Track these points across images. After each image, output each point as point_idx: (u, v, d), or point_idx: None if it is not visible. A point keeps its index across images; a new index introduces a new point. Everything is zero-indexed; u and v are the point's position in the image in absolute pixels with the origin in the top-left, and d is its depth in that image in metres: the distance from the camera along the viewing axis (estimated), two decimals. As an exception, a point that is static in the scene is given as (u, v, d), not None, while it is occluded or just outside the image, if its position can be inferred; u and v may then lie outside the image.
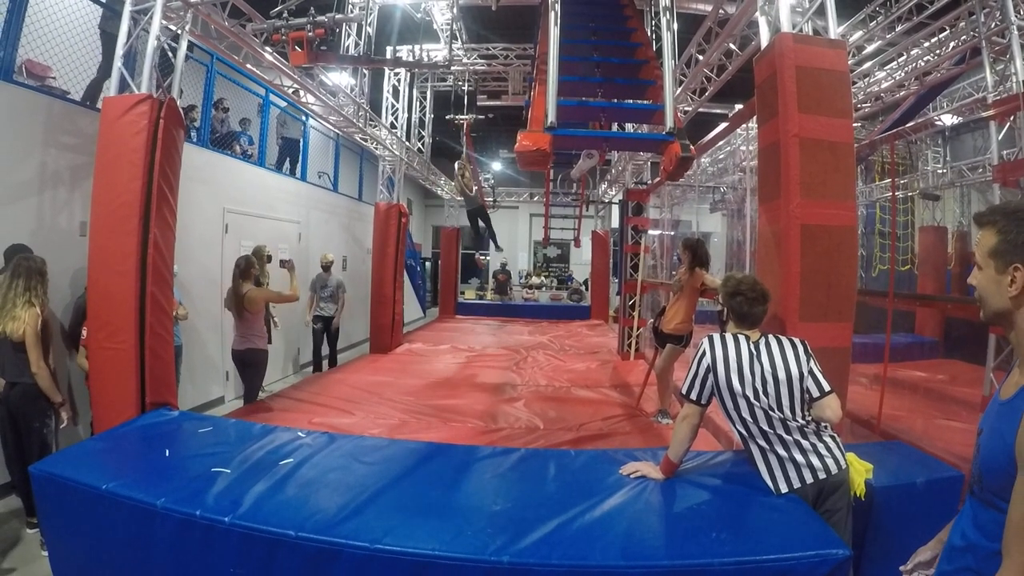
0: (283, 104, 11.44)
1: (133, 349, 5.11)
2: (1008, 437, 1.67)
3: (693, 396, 3.51)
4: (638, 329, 11.19)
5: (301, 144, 12.44)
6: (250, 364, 7.27)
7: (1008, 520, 1.66)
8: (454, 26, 10.91)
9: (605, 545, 2.88)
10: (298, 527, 3.00)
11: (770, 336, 3.55)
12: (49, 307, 5.10)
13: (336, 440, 4.44)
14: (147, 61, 5.52)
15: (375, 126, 11.79)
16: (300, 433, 4.55)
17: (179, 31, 5.99)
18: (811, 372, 3.39)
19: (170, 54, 5.96)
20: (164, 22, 5.67)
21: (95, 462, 3.90)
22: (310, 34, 6.35)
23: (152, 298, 5.20)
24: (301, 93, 9.00)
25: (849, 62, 7.57)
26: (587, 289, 21.86)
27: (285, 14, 6.46)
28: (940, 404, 7.96)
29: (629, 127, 9.62)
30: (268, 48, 7.18)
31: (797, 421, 3.33)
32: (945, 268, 13.55)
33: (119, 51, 5.61)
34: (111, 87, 5.64)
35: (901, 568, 2.23)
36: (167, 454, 4.08)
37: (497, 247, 16.59)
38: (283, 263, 7.89)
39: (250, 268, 7.16)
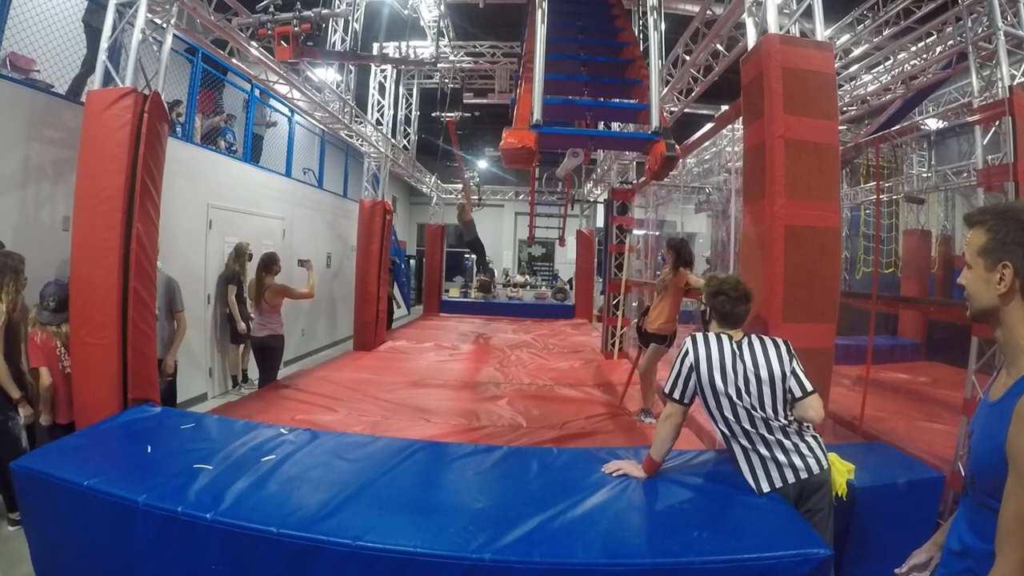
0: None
1: (116, 345, 5.07)
2: (999, 437, 1.70)
3: (676, 395, 3.52)
4: (622, 328, 11.21)
5: (281, 141, 12.40)
6: (268, 348, 8.05)
7: (1000, 518, 1.68)
8: (441, 23, 10.90)
9: (587, 543, 2.89)
10: (279, 524, 2.99)
11: (753, 336, 3.57)
12: (23, 305, 5.12)
13: (318, 437, 4.43)
14: (131, 54, 5.48)
15: (361, 123, 11.74)
16: (282, 430, 4.53)
17: (164, 25, 5.94)
18: (794, 372, 3.41)
19: (155, 48, 5.92)
20: (149, 15, 5.63)
21: (77, 458, 3.86)
22: (296, 29, 6.34)
23: (135, 293, 5.16)
24: (287, 89, 8.97)
25: (836, 65, 7.58)
26: (571, 288, 21.88)
27: (271, 8, 6.44)
28: (922, 406, 8.01)
29: (615, 126, 9.63)
30: (254, 43, 7.15)
31: (779, 421, 3.35)
32: (928, 271, 13.62)
33: (103, 44, 5.55)
34: (95, 81, 5.58)
35: (896, 571, 2.25)
36: (149, 450, 4.06)
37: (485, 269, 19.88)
38: (301, 262, 8.34)
39: (272, 264, 7.86)
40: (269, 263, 7.91)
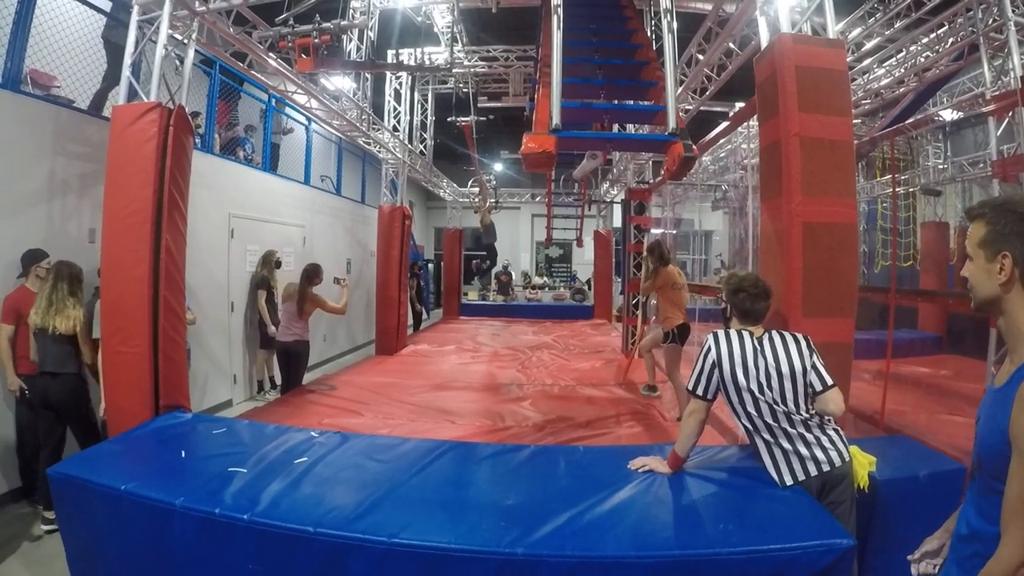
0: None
1: (147, 353, 5.17)
2: (1002, 421, 1.76)
3: (699, 391, 3.57)
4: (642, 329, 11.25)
5: (298, 149, 12.54)
6: (294, 353, 8.13)
7: (1005, 499, 1.74)
8: (454, 29, 10.97)
9: (616, 537, 2.95)
10: (316, 523, 3.07)
11: (773, 332, 3.62)
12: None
13: (349, 439, 4.51)
14: (155, 70, 5.57)
15: (378, 129, 11.84)
16: (313, 433, 4.62)
17: (185, 40, 6.05)
18: (814, 366, 3.46)
19: (177, 63, 6.04)
20: (170, 31, 5.73)
21: (113, 464, 3.98)
22: (316, 41, 6.40)
23: (165, 303, 5.27)
24: (305, 98, 9.08)
25: (848, 59, 7.60)
26: (590, 289, 21.89)
27: (291, 21, 6.51)
28: (943, 399, 7.98)
29: (631, 127, 9.67)
30: (272, 55, 7.25)
31: (801, 415, 3.39)
32: (947, 264, 13.54)
33: (127, 60, 5.67)
34: (119, 96, 5.69)
35: (909, 557, 2.29)
36: (183, 455, 4.15)
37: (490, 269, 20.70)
38: (337, 280, 8.36)
39: (315, 275, 8.01)
40: (312, 274, 8.02)
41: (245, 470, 3.79)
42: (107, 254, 5.31)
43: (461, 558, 2.87)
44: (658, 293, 7.73)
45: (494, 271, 21.91)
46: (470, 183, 17.26)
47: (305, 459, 4.00)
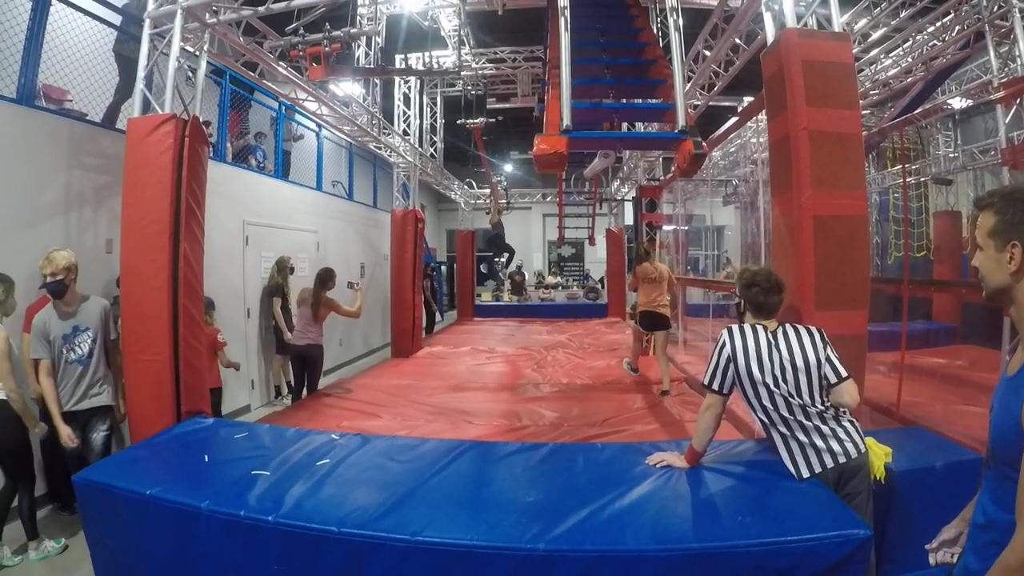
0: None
1: (168, 360, 5.24)
2: (1015, 410, 1.77)
3: (715, 386, 3.60)
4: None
5: (308, 155, 12.62)
6: (309, 357, 8.15)
7: (1019, 487, 1.73)
8: (461, 32, 11.03)
9: (636, 531, 2.99)
10: (340, 523, 3.12)
11: (787, 325, 3.64)
12: None
13: (369, 441, 4.55)
14: (169, 82, 5.66)
15: (388, 134, 11.91)
16: (334, 435, 4.66)
17: (197, 52, 6.12)
18: (828, 359, 3.48)
19: (189, 74, 6.11)
20: (182, 44, 5.80)
21: (137, 469, 4.04)
22: (326, 49, 6.46)
23: (184, 310, 5.34)
24: (316, 105, 9.14)
25: (855, 50, 7.59)
26: (603, 287, 21.88)
27: (301, 30, 6.57)
28: (959, 389, 7.94)
29: (640, 125, 9.69)
30: (282, 63, 7.32)
31: (816, 407, 3.42)
32: (961, 253, 13.45)
33: (140, 74, 5.74)
34: (134, 108, 5.77)
35: (927, 546, 2.30)
36: (206, 459, 4.21)
37: (506, 264, 20.53)
38: (351, 284, 8.39)
39: (328, 279, 8.06)
40: (326, 278, 8.08)
41: (268, 473, 3.83)
42: (127, 264, 5.39)
43: (483, 554, 2.91)
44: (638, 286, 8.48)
45: (502, 268, 21.78)
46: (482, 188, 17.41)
47: (327, 461, 4.05)
